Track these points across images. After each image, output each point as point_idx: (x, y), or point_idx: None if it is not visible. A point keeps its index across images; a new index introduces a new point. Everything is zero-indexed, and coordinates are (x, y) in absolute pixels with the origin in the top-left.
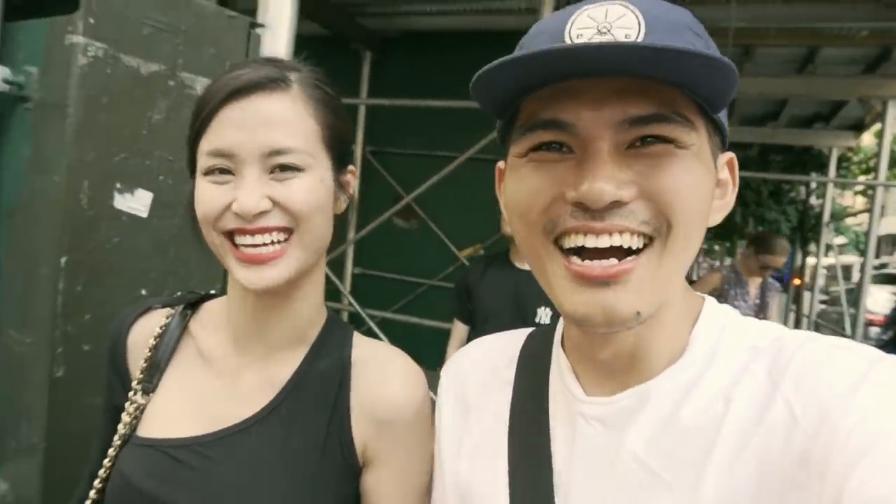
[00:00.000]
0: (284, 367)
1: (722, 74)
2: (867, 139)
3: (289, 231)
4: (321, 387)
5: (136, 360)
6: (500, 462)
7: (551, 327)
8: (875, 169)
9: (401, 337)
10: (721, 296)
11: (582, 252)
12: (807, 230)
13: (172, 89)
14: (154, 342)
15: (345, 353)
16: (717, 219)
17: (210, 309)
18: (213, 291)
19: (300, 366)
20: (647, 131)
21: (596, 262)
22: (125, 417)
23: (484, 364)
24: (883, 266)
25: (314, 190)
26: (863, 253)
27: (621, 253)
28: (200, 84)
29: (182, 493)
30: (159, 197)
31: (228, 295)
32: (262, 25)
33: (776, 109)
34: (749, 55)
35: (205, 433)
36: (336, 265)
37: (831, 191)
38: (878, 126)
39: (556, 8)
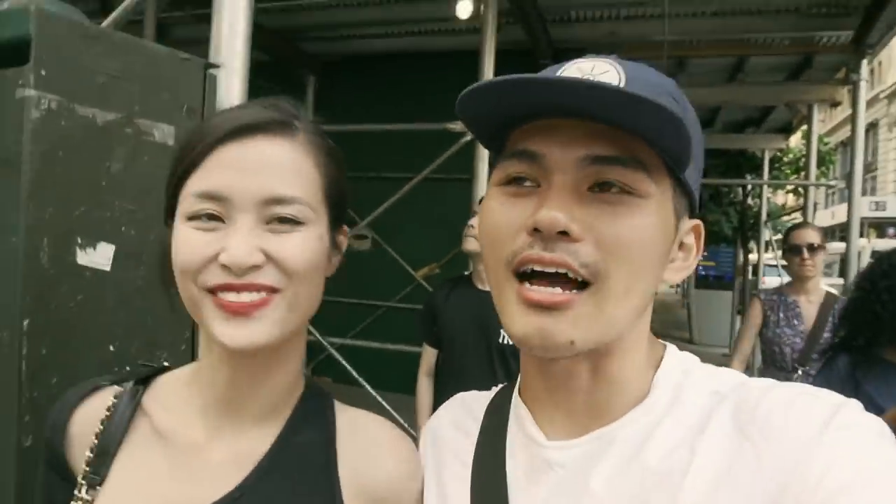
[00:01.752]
0: (258, 442)
1: (673, 127)
2: (795, 140)
3: (276, 292)
4: (303, 464)
5: (81, 451)
6: None
7: (517, 380)
8: (805, 168)
9: (364, 361)
10: (765, 325)
11: (532, 277)
12: (747, 229)
13: (130, 137)
14: (101, 427)
15: (328, 425)
16: (675, 279)
17: (167, 382)
18: (165, 364)
19: (277, 440)
20: (608, 174)
21: (543, 289)
22: None
23: (455, 421)
24: None
25: (312, 248)
26: None
27: (568, 283)
28: (158, 130)
29: None
30: (122, 248)
31: (200, 362)
32: (217, 66)
33: (710, 116)
34: (683, 66)
35: None
36: None
37: (766, 191)
38: (805, 127)
39: (499, 27)
